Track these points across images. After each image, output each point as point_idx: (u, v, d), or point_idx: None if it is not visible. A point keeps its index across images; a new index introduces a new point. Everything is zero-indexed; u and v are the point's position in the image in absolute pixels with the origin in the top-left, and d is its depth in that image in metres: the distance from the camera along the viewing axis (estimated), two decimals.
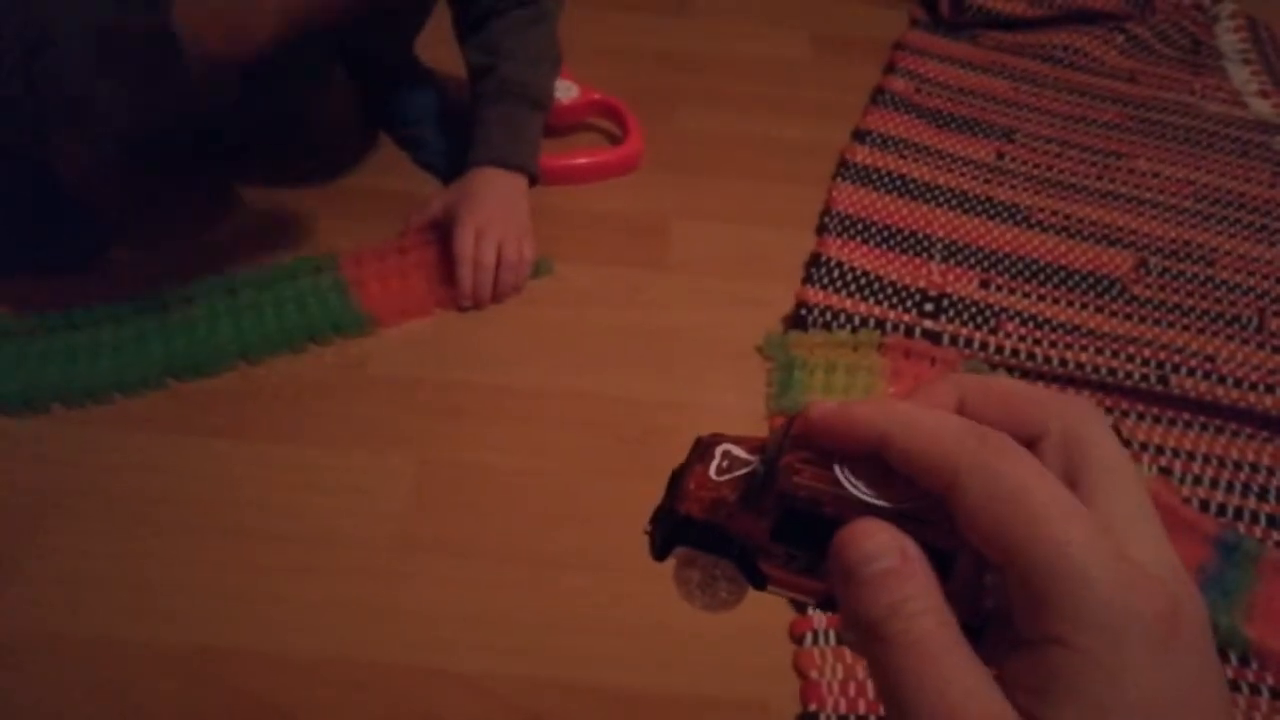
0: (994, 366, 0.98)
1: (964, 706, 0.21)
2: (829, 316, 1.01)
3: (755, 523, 0.26)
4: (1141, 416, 0.96)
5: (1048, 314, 1.06)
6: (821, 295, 1.04)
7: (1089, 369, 0.98)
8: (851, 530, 0.23)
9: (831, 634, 0.75)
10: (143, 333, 0.91)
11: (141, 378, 0.88)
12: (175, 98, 0.82)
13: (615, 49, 1.43)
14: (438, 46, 1.22)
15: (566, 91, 1.23)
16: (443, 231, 1.03)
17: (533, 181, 1.07)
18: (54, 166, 0.99)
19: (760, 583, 0.27)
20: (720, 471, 0.28)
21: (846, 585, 0.23)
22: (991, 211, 1.19)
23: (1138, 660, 0.20)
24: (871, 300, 1.04)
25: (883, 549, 0.23)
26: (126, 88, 0.77)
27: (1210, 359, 1.02)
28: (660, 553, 0.28)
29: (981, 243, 1.14)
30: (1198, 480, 0.90)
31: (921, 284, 1.07)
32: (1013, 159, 1.29)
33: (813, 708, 0.71)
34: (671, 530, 0.28)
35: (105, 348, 0.90)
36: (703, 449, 0.29)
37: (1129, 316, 1.07)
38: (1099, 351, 1.00)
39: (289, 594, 0.75)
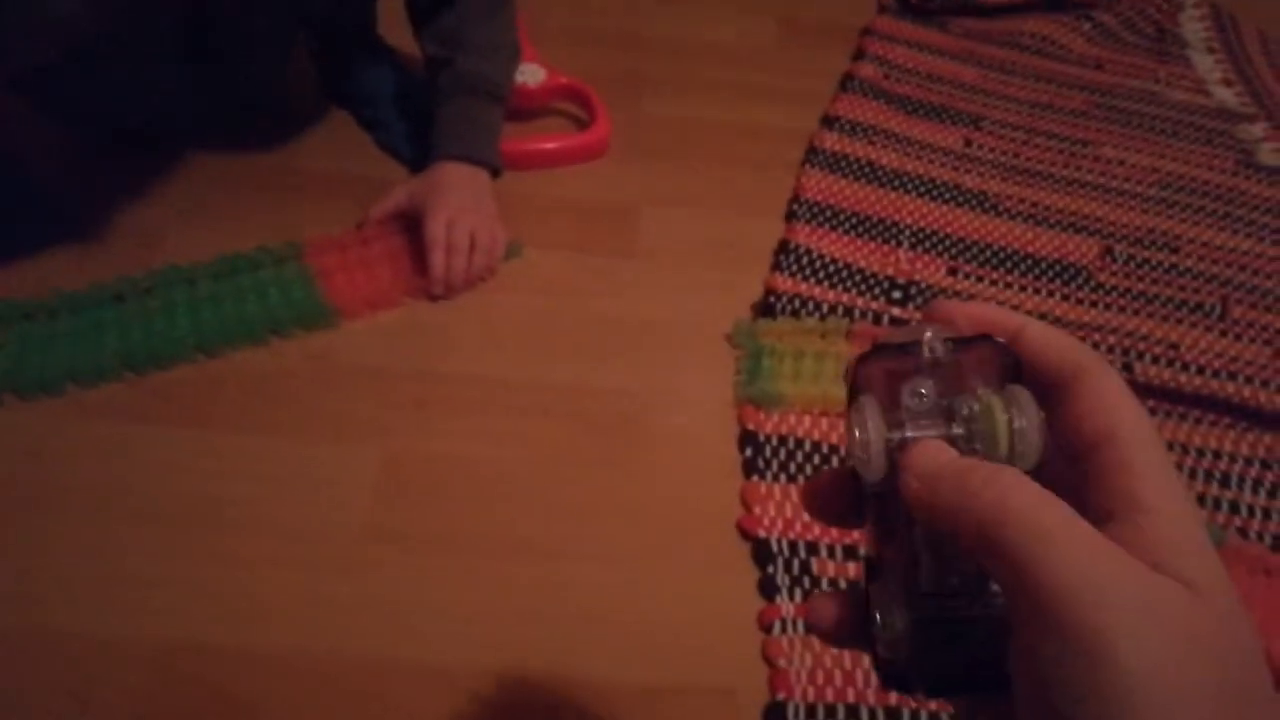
0: None
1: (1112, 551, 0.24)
2: (798, 304, 1.01)
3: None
4: None
5: (1014, 301, 1.07)
6: (790, 283, 1.04)
7: None
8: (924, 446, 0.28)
9: (800, 623, 0.75)
10: (99, 324, 0.89)
11: (97, 369, 0.86)
12: None
13: (582, 32, 1.42)
14: (402, 29, 1.20)
15: (533, 75, 1.22)
16: (407, 222, 1.02)
17: (495, 174, 1.06)
18: (8, 150, 0.97)
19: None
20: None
21: (934, 489, 0.27)
22: (959, 199, 1.20)
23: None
24: (840, 288, 1.04)
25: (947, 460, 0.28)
26: None
27: (1174, 346, 1.03)
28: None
29: (949, 230, 1.15)
30: None
31: (890, 271, 1.07)
32: (980, 146, 1.29)
33: (781, 696, 0.71)
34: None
35: (60, 338, 0.88)
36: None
37: (1094, 304, 1.08)
38: None
39: (254, 587, 0.74)
